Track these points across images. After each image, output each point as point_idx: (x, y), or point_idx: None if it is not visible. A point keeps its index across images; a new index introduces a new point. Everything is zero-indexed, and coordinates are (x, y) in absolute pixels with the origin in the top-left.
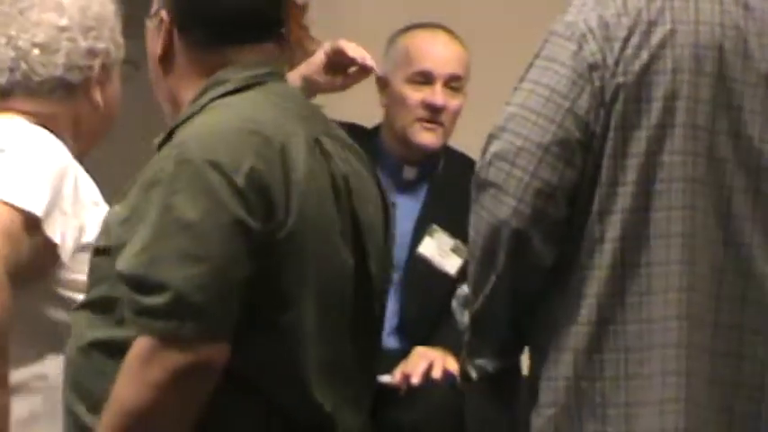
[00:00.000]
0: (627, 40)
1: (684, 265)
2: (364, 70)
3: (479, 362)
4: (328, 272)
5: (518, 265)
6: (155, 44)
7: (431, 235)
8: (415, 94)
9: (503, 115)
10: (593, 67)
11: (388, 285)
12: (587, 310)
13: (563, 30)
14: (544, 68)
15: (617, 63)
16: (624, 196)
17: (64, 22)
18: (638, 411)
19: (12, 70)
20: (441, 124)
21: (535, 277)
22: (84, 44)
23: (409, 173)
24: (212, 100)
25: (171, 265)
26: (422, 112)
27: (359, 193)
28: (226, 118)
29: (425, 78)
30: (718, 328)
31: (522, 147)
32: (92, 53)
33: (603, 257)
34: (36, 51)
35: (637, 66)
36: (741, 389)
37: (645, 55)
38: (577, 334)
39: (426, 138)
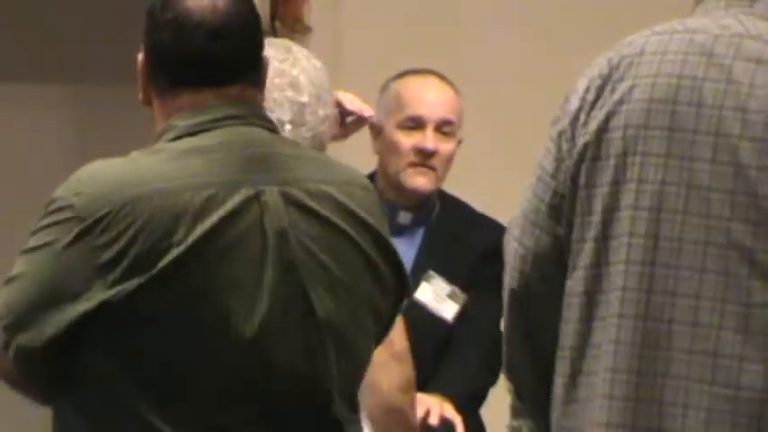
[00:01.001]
0: (595, 100)
1: (638, 320)
2: (362, 120)
3: (515, 423)
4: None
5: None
6: (140, 87)
7: (427, 281)
8: (407, 140)
9: None
10: (561, 133)
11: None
12: (563, 361)
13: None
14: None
15: (585, 123)
16: (587, 252)
17: (305, 98)
18: None
19: None
20: (433, 168)
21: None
22: (321, 113)
23: (404, 218)
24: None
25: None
26: (413, 157)
27: (313, 243)
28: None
29: (416, 123)
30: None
31: (514, 218)
32: (325, 117)
33: (572, 311)
34: (288, 127)
35: (595, 124)
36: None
37: (603, 113)
38: (557, 386)
39: (419, 182)
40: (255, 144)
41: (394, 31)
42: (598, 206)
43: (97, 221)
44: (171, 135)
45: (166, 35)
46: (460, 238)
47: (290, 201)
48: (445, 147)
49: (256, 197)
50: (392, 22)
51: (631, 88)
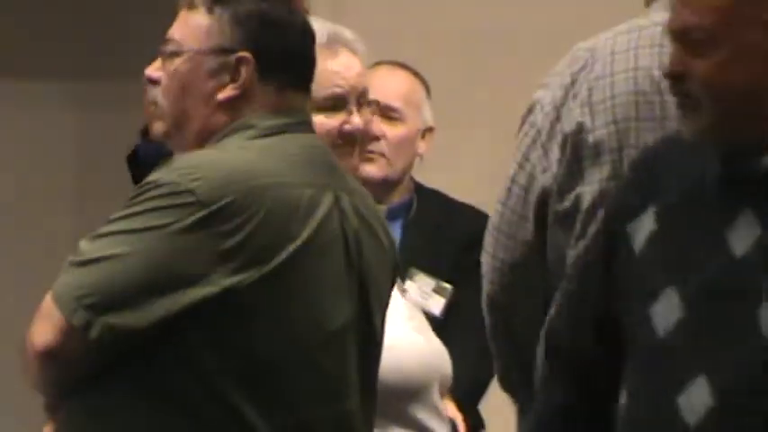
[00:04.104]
0: (561, 105)
1: None
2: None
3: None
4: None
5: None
6: (205, 79)
7: (411, 278)
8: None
9: None
10: (532, 144)
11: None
12: None
13: (530, 107)
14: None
15: (559, 130)
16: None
17: None
18: None
19: None
20: (381, 154)
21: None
22: None
23: None
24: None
25: None
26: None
27: (368, 250)
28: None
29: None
30: None
31: (488, 232)
32: None
33: None
34: None
35: (571, 127)
36: None
37: (577, 114)
38: None
39: (367, 169)
40: (321, 151)
41: (394, 31)
42: (596, 203)
43: (221, 209)
44: (252, 134)
45: (274, 32)
46: (442, 229)
47: (356, 210)
48: (392, 131)
49: (336, 202)
50: (392, 22)
51: (611, 85)
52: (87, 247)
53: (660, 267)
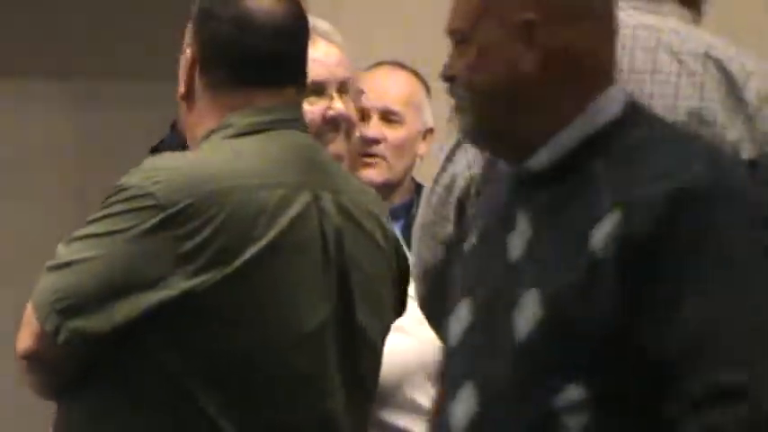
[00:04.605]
0: None
1: None
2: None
3: None
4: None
5: None
6: (181, 81)
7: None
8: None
9: None
10: (457, 145)
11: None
12: None
13: None
14: None
15: None
16: None
17: None
18: None
19: None
20: (382, 158)
21: None
22: None
23: None
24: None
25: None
26: (360, 148)
27: (355, 249)
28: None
29: (362, 113)
30: None
31: (414, 231)
32: None
33: None
34: None
35: None
36: None
37: None
38: None
39: (367, 173)
40: (306, 149)
41: (394, 31)
42: None
43: (180, 212)
44: (230, 132)
45: (231, 31)
46: None
47: (340, 208)
48: (392, 134)
49: (315, 201)
50: (392, 22)
51: None
52: (63, 251)
53: (462, 280)
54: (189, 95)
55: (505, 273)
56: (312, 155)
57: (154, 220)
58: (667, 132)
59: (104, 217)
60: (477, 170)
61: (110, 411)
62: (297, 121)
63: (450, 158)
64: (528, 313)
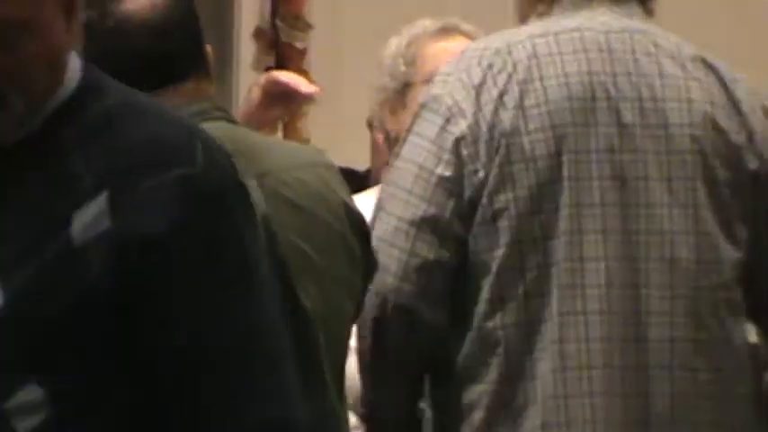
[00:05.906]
0: (496, 107)
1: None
2: (300, 95)
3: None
4: None
5: (406, 340)
6: None
7: None
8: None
9: (381, 195)
10: (459, 140)
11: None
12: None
13: (430, 103)
14: (414, 144)
15: (491, 127)
16: (535, 251)
17: None
18: None
19: None
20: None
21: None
22: None
23: None
24: None
25: None
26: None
27: (292, 233)
28: None
29: None
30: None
31: (396, 226)
32: None
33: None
34: None
35: (504, 128)
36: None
37: (510, 116)
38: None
39: None
40: (225, 138)
41: (394, 31)
42: (527, 207)
43: None
44: None
45: (111, 43)
46: None
47: (268, 192)
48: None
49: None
50: (392, 22)
51: (543, 90)
52: None
53: None
54: None
55: None
56: (233, 143)
57: None
58: (141, 103)
59: None
60: (484, 171)
61: None
62: (209, 112)
63: (456, 151)
64: None
